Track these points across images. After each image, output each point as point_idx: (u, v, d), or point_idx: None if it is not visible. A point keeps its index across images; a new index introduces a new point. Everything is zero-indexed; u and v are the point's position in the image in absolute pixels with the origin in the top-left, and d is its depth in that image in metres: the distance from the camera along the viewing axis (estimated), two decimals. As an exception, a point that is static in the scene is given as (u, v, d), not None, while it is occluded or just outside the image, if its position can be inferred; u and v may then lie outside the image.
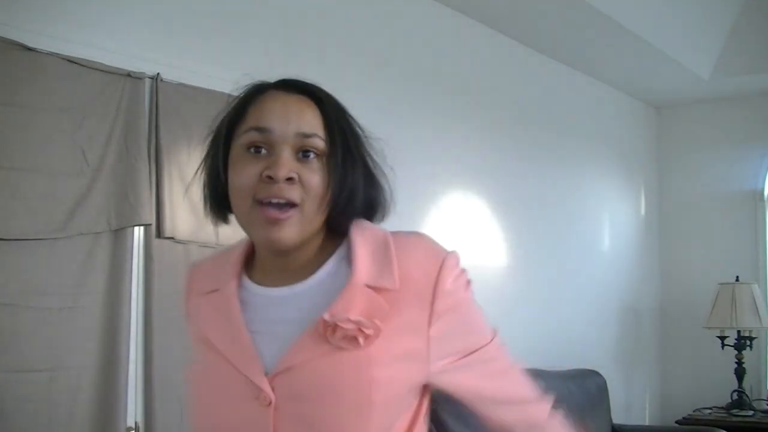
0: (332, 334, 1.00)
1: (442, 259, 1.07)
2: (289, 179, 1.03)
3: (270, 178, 1.02)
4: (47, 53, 2.21)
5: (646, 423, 5.21)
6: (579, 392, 4.01)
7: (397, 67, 3.45)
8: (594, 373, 4.28)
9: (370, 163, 1.13)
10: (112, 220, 2.34)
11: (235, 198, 1.06)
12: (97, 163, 2.32)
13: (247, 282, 1.11)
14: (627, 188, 5.27)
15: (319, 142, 1.06)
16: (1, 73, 2.12)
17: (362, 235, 1.09)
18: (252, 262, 1.14)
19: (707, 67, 4.86)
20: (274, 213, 1.03)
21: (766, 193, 5.24)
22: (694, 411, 4.81)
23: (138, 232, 2.44)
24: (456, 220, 3.74)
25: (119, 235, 2.36)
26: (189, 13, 2.64)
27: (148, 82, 2.46)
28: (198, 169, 1.14)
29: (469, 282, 1.11)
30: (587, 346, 4.65)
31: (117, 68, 2.37)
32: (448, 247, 1.10)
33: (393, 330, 1.02)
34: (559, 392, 4.37)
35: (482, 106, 3.96)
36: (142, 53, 2.46)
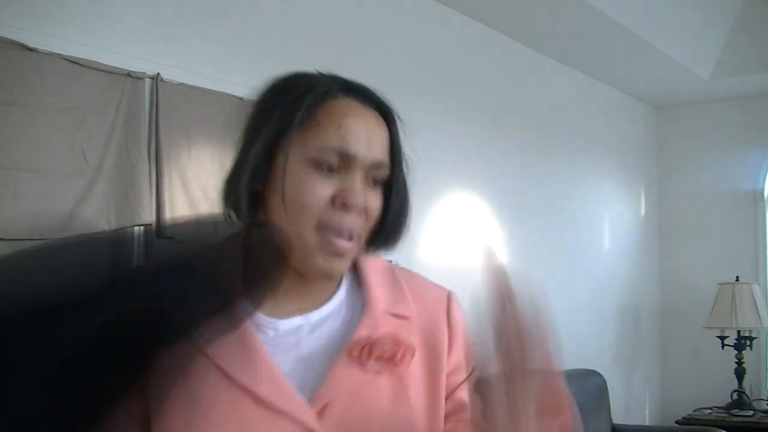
0: (368, 356, 0.95)
1: (447, 293, 1.07)
2: (364, 209, 0.95)
3: (345, 206, 0.93)
4: (47, 53, 2.21)
5: (646, 423, 5.21)
6: (579, 392, 4.01)
7: (397, 68, 3.45)
8: (594, 373, 4.28)
9: (409, 194, 1.04)
10: (112, 220, 2.34)
11: (293, 217, 0.93)
12: (97, 163, 2.31)
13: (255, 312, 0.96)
14: (627, 188, 5.27)
15: (386, 172, 0.98)
16: (1, 73, 2.12)
17: (369, 262, 1.05)
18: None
19: (707, 67, 4.86)
20: (345, 245, 0.94)
21: (766, 193, 5.24)
22: (694, 411, 4.81)
23: (138, 232, 2.44)
24: (456, 220, 3.73)
25: (119, 235, 2.36)
26: (189, 13, 2.64)
27: (148, 82, 2.46)
28: (240, 153, 0.98)
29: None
30: (587, 346, 4.65)
31: (117, 68, 2.37)
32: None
33: (418, 356, 1.00)
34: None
35: (482, 106, 3.96)
36: (142, 53, 2.46)
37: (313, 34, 3.05)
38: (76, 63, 2.27)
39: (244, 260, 0.94)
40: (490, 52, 4.04)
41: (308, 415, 0.90)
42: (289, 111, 0.95)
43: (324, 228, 0.93)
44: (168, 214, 2.46)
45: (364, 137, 0.95)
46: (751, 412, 4.63)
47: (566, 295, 4.49)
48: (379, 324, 0.99)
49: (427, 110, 3.58)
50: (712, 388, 4.97)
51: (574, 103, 4.73)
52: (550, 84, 4.50)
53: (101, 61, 2.34)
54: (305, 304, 0.99)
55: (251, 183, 0.96)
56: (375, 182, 0.97)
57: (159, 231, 2.46)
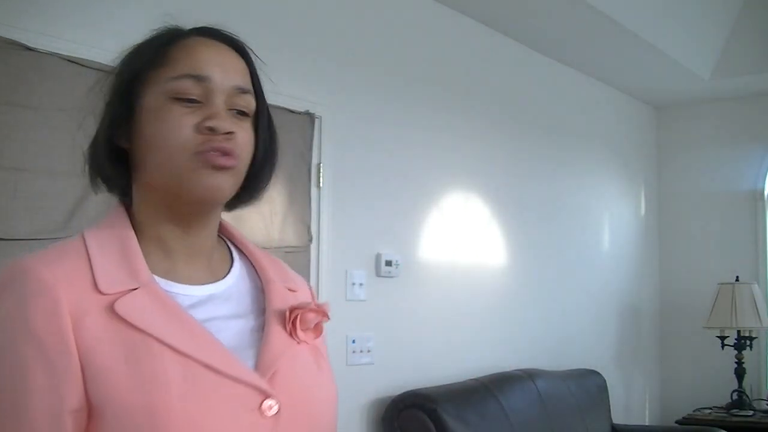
0: (294, 326, 0.97)
1: (303, 278, 1.12)
2: (230, 133, 0.93)
3: (211, 130, 0.91)
4: (47, 53, 2.21)
5: (646, 423, 5.21)
6: (579, 392, 4.01)
7: (396, 67, 3.45)
8: (594, 373, 4.28)
9: (275, 133, 1.03)
10: (112, 220, 2.34)
11: (160, 152, 0.92)
12: (97, 163, 2.31)
13: (160, 281, 0.93)
14: (627, 188, 5.27)
15: (252, 102, 0.98)
16: (1, 73, 2.12)
17: (244, 236, 1.07)
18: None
19: (707, 67, 4.86)
20: (223, 160, 0.91)
21: (766, 193, 5.24)
22: (694, 411, 4.81)
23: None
24: (456, 220, 3.73)
25: (119, 235, 2.36)
26: (189, 13, 2.64)
27: (148, 82, 2.46)
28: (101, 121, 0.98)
29: None
30: (587, 346, 4.65)
31: (117, 68, 2.37)
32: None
33: None
34: (559, 392, 4.38)
35: (481, 106, 3.96)
36: (142, 53, 2.45)
37: (312, 34, 3.05)
38: (76, 63, 2.27)
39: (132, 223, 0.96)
40: (491, 52, 4.04)
41: (261, 382, 0.90)
42: (141, 56, 0.97)
43: (196, 152, 0.91)
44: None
45: (218, 62, 0.96)
46: (751, 412, 4.63)
47: (566, 295, 4.49)
48: (286, 296, 1.02)
49: (427, 110, 3.58)
50: (712, 388, 4.98)
51: (574, 103, 4.73)
52: (550, 84, 4.50)
53: (101, 61, 2.33)
54: (205, 275, 0.98)
55: (112, 136, 0.96)
56: (241, 114, 0.96)
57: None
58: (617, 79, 4.96)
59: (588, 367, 4.32)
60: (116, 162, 0.97)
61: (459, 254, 3.75)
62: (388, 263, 3.28)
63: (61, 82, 2.24)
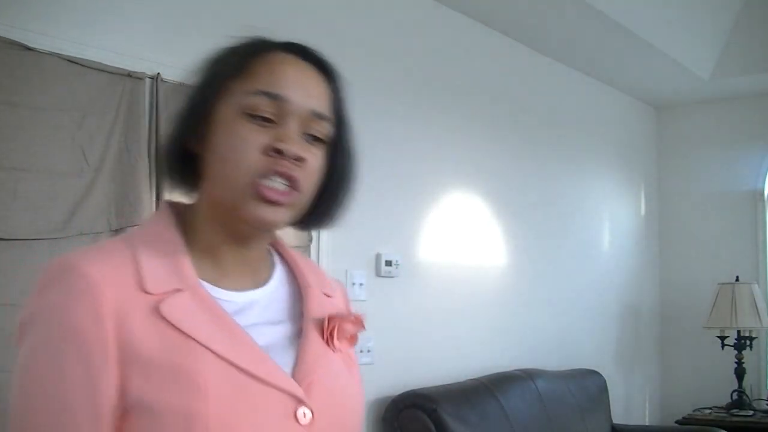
0: (337, 333, 0.98)
1: (339, 282, 1.12)
2: (300, 159, 0.90)
3: (279, 152, 0.89)
4: (47, 53, 2.21)
5: (646, 423, 5.21)
6: (579, 392, 4.01)
7: (396, 67, 3.45)
8: (594, 373, 4.28)
9: (356, 164, 1.02)
10: (112, 220, 2.34)
11: (227, 166, 0.90)
12: (97, 163, 2.31)
13: (205, 284, 0.93)
14: (627, 188, 5.27)
15: (328, 129, 0.95)
16: (1, 73, 2.12)
17: (284, 241, 1.08)
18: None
19: (707, 67, 4.86)
20: (276, 195, 0.90)
21: (766, 193, 5.24)
22: (694, 411, 4.81)
23: (138, 232, 2.44)
24: (456, 220, 3.73)
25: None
26: (189, 13, 2.64)
27: (148, 82, 2.46)
28: (181, 115, 0.96)
29: None
30: (587, 346, 4.65)
31: (117, 68, 2.37)
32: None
33: None
34: (559, 392, 4.38)
35: (481, 106, 3.96)
36: (142, 53, 2.46)
37: (312, 34, 3.04)
38: (76, 63, 2.27)
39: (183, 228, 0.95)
40: (491, 52, 4.04)
41: (298, 390, 0.90)
42: (224, 63, 0.95)
43: (259, 177, 0.90)
44: (168, 214, 2.46)
45: (299, 84, 0.93)
46: (751, 412, 4.63)
47: (566, 294, 4.49)
48: (323, 303, 1.02)
49: (428, 110, 3.58)
50: (712, 388, 4.97)
51: (574, 103, 4.73)
52: (550, 84, 4.50)
53: (101, 61, 2.34)
54: (249, 282, 0.98)
55: (184, 138, 0.94)
56: (315, 140, 0.94)
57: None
58: (617, 79, 4.95)
59: (588, 367, 4.32)
60: (185, 164, 0.96)
61: (459, 254, 3.75)
62: (388, 263, 3.28)
63: (61, 82, 2.24)
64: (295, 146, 0.90)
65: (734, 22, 4.74)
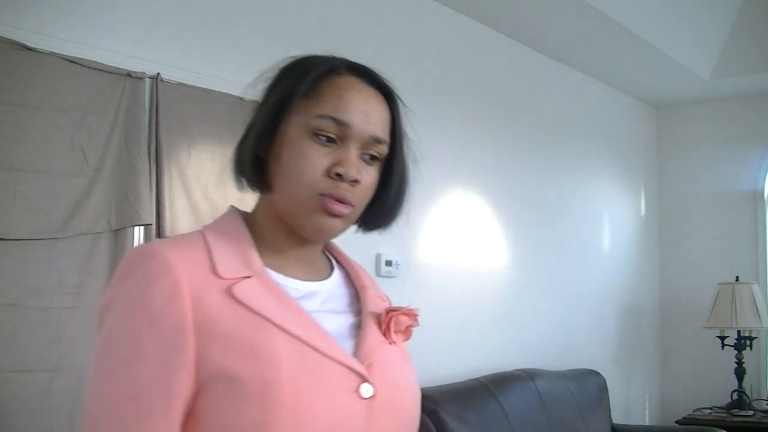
0: (394, 326, 1.05)
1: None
2: (355, 182, 1.00)
3: (339, 176, 0.99)
4: (47, 53, 2.21)
5: (646, 423, 5.21)
6: (579, 392, 4.01)
7: (396, 67, 3.43)
8: (594, 373, 4.28)
9: (408, 174, 1.11)
10: (112, 220, 2.34)
11: (290, 182, 1.00)
12: (97, 163, 2.32)
13: (272, 273, 1.02)
14: (627, 188, 5.27)
15: (385, 149, 1.05)
16: (1, 73, 2.12)
17: (336, 244, 1.16)
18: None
19: (707, 67, 4.86)
20: (339, 208, 1.00)
21: (766, 193, 5.24)
22: (694, 411, 4.81)
23: (138, 232, 2.44)
24: (455, 220, 3.73)
25: (119, 235, 2.36)
26: (189, 13, 2.64)
27: (148, 82, 2.46)
28: (252, 119, 1.05)
29: None
30: (587, 346, 4.65)
31: (117, 68, 2.37)
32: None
33: None
34: (559, 392, 4.37)
35: (481, 106, 3.96)
36: (142, 53, 2.46)
37: (312, 34, 3.05)
38: (76, 63, 2.27)
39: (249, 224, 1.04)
40: (491, 52, 4.04)
41: (360, 368, 0.97)
42: (296, 82, 1.02)
43: (320, 194, 0.99)
44: (168, 214, 2.46)
45: (363, 110, 1.02)
46: (751, 412, 4.63)
47: (566, 295, 4.49)
48: (376, 301, 1.10)
49: (427, 109, 3.58)
50: (712, 388, 4.98)
51: (574, 103, 4.73)
52: (550, 84, 4.51)
53: (101, 61, 2.34)
54: (310, 275, 1.07)
55: (256, 147, 1.02)
56: (372, 159, 1.03)
57: (159, 231, 2.46)
58: (617, 79, 4.96)
59: (588, 367, 4.32)
60: (256, 168, 1.04)
61: (459, 254, 3.76)
62: (388, 263, 3.28)
63: (61, 82, 2.24)
64: (353, 169, 1.00)
65: (734, 22, 4.74)
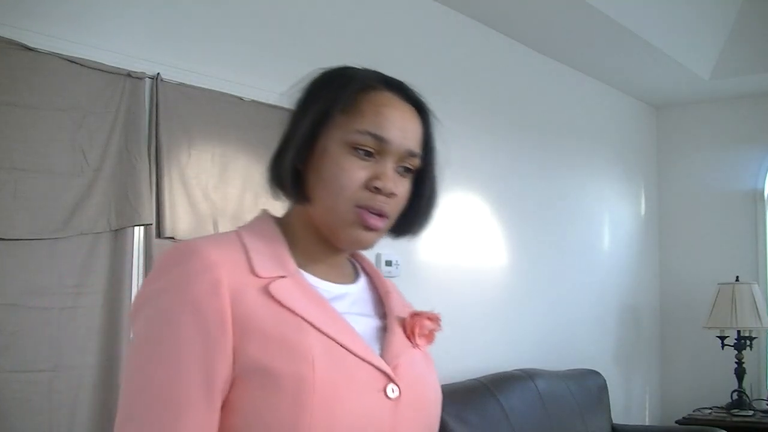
0: (418, 330, 1.11)
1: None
2: (392, 195, 1.05)
3: (378, 189, 1.03)
4: (47, 53, 2.21)
5: (646, 423, 5.21)
6: (579, 392, 4.01)
7: (396, 67, 3.43)
8: (594, 373, 4.28)
9: (438, 186, 1.18)
10: (112, 220, 2.34)
11: (330, 194, 1.04)
12: (97, 163, 2.32)
13: (305, 274, 1.05)
14: (627, 188, 5.27)
15: (418, 162, 1.10)
16: (1, 73, 2.12)
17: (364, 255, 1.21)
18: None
19: (707, 67, 4.86)
20: (375, 222, 1.04)
21: (766, 193, 5.24)
22: (694, 411, 4.81)
23: (138, 232, 2.44)
24: (455, 220, 3.73)
25: (119, 235, 2.36)
26: (189, 13, 2.64)
27: (148, 82, 2.46)
28: (288, 131, 1.07)
29: None
30: (587, 346, 4.65)
31: (117, 68, 2.37)
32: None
33: None
34: (559, 392, 4.37)
35: (481, 106, 3.96)
36: (142, 53, 2.46)
37: (312, 34, 3.05)
38: (76, 63, 2.27)
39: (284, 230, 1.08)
40: (490, 52, 4.04)
41: (387, 368, 1.01)
42: (335, 96, 1.06)
43: (358, 206, 1.03)
44: (168, 214, 2.46)
45: (400, 126, 1.07)
46: (751, 412, 4.63)
47: (566, 295, 4.49)
48: (401, 306, 1.15)
49: (427, 110, 3.58)
50: (712, 388, 4.98)
51: (574, 103, 4.73)
52: (550, 84, 4.51)
53: (101, 61, 2.34)
54: (339, 278, 1.11)
55: (295, 160, 1.05)
56: (406, 171, 1.09)
57: (159, 231, 2.46)
58: (617, 79, 4.96)
59: (588, 367, 4.32)
60: (295, 181, 1.07)
61: (459, 254, 3.76)
62: (388, 263, 3.28)
63: (61, 82, 2.24)
64: (390, 183, 1.04)
65: (734, 22, 4.74)
